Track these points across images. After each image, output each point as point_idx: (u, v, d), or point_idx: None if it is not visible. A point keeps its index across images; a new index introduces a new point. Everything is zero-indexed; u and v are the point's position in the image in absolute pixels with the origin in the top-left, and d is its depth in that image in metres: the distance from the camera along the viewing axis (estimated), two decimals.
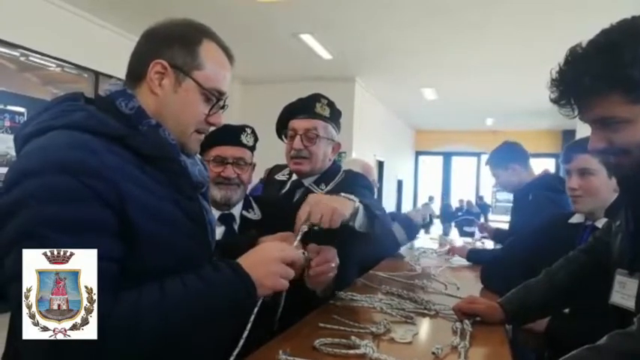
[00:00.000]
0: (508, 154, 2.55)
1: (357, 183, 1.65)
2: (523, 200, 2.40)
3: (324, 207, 1.11)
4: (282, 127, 1.73)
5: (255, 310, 0.91)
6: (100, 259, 0.74)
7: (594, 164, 1.54)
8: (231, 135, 1.50)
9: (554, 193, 2.22)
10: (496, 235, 2.95)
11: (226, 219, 1.51)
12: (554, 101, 0.95)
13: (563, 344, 0.99)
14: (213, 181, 1.45)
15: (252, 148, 1.54)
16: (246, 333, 0.90)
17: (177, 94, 0.91)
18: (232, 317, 0.88)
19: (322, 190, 1.63)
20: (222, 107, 0.98)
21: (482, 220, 12.28)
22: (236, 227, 1.52)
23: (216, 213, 1.47)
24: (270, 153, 2.34)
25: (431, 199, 13.65)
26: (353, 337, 1.13)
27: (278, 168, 1.90)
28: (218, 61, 0.95)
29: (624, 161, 0.92)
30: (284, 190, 1.74)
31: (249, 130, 1.53)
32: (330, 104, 1.70)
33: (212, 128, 1.00)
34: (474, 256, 2.50)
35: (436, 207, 13.74)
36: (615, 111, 0.88)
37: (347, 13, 5.13)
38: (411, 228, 2.53)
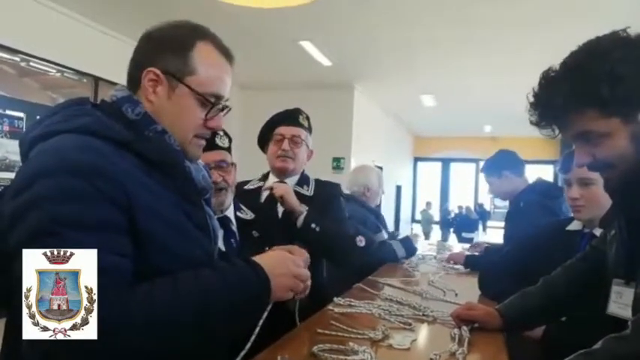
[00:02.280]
0: (501, 162, 2.57)
1: (336, 192, 1.99)
2: (515, 208, 2.41)
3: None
4: (268, 132, 1.93)
5: (265, 315, 0.92)
6: (115, 254, 0.75)
7: (594, 174, 1.54)
8: (208, 142, 1.53)
9: (546, 199, 2.22)
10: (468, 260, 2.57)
11: (223, 222, 1.53)
12: (535, 124, 0.98)
13: (559, 352, 0.99)
14: None
15: (229, 149, 1.60)
16: (253, 337, 0.91)
17: (171, 101, 0.91)
18: (247, 309, 0.87)
19: (307, 190, 1.89)
20: (222, 110, 0.97)
21: (480, 227, 12.31)
22: (234, 228, 1.55)
23: None
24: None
25: (428, 204, 13.67)
26: (351, 344, 1.13)
27: (241, 184, 1.98)
28: (213, 64, 0.93)
29: (611, 175, 0.95)
30: (264, 196, 1.88)
31: (221, 133, 1.58)
32: (308, 118, 1.97)
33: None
34: (472, 262, 2.50)
35: (435, 213, 13.77)
36: (592, 125, 0.91)
37: (346, 20, 5.15)
38: (410, 248, 2.76)
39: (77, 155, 0.77)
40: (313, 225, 1.71)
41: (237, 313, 0.85)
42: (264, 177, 1.96)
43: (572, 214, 1.73)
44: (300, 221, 1.71)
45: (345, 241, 1.86)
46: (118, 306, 0.72)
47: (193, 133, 0.95)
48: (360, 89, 8.27)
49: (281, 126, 1.89)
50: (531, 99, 0.98)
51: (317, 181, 1.97)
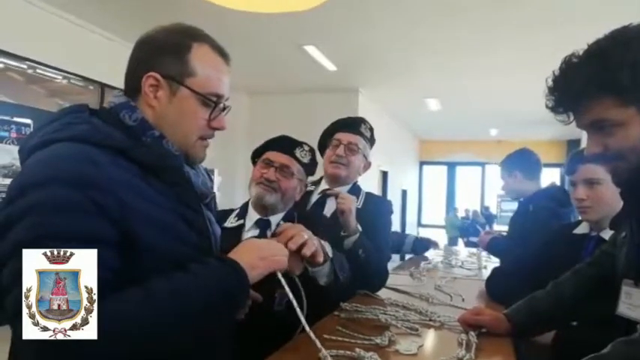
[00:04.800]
0: (514, 161, 2.51)
1: (385, 210, 1.91)
2: (523, 211, 2.36)
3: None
4: (328, 137, 1.93)
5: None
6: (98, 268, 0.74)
7: (600, 173, 1.53)
8: (286, 144, 1.58)
9: (556, 205, 2.19)
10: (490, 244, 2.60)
11: (262, 224, 1.54)
12: (551, 109, 0.97)
13: (570, 356, 0.98)
14: (256, 180, 1.54)
15: (304, 165, 1.58)
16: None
17: (173, 105, 0.91)
18: (226, 306, 0.87)
19: (356, 202, 1.75)
20: (224, 109, 0.98)
21: (486, 229, 12.20)
22: (269, 234, 1.52)
23: (254, 216, 1.55)
24: None
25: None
26: (357, 349, 1.12)
27: None
28: (211, 65, 0.94)
29: (621, 167, 0.94)
30: (313, 200, 1.85)
31: (306, 148, 1.59)
32: (372, 129, 1.95)
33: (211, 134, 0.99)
34: (494, 247, 2.44)
35: (440, 218, 13.68)
36: (607, 114, 0.90)
37: (350, 25, 5.16)
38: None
39: (70, 165, 0.77)
40: (360, 251, 1.64)
41: (214, 311, 0.85)
42: (317, 181, 1.95)
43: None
44: (349, 243, 1.63)
45: (381, 267, 1.78)
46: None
47: (198, 135, 0.95)
48: (364, 93, 8.27)
49: (340, 132, 1.89)
50: (550, 83, 0.96)
51: (368, 194, 1.94)
